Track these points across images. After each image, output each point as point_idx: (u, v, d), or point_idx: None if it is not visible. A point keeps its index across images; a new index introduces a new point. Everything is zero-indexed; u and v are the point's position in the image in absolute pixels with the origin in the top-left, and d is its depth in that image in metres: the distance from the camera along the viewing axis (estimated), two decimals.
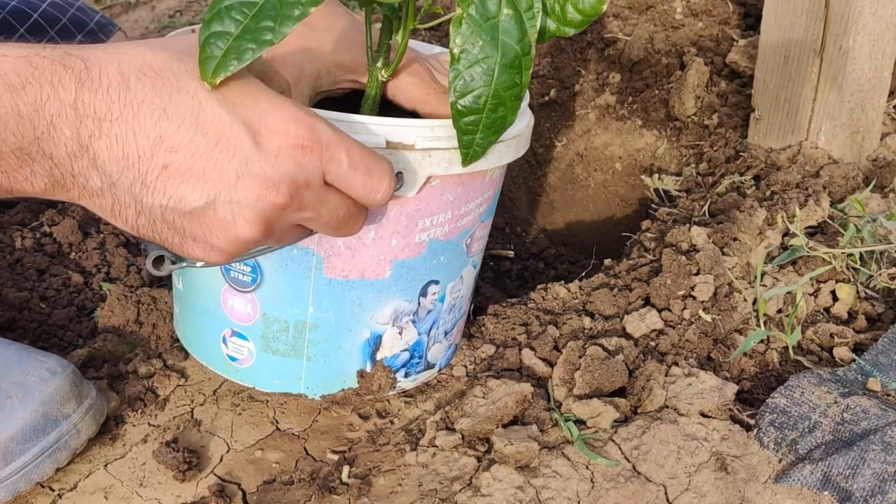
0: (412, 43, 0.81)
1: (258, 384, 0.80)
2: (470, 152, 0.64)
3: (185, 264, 0.67)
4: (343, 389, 0.79)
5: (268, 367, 0.78)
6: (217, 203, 0.55)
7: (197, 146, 0.54)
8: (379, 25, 0.68)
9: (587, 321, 0.90)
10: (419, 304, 0.77)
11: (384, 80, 0.71)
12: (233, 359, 0.79)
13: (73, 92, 0.52)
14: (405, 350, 0.79)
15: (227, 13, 0.54)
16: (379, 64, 0.70)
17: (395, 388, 0.81)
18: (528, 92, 0.74)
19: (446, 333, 0.83)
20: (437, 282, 0.77)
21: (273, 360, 0.77)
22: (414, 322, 0.78)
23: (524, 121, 0.74)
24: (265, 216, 0.56)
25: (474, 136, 0.63)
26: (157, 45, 0.57)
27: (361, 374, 0.79)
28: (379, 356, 0.78)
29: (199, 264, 0.67)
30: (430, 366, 0.83)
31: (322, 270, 0.72)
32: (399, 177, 0.65)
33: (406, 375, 0.81)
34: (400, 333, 0.77)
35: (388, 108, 0.74)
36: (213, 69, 0.54)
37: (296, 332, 0.75)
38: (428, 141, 0.65)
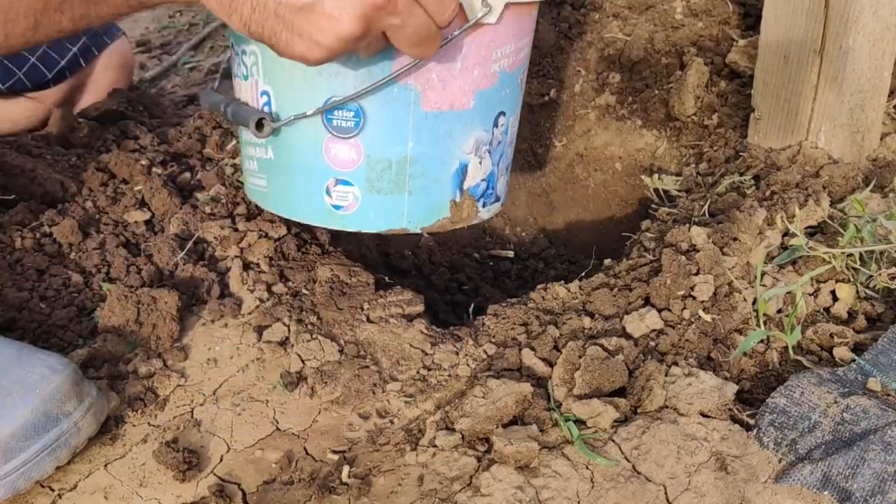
0: None
1: (364, 226, 0.86)
2: None
3: (283, 122, 0.77)
4: (439, 220, 0.88)
5: (373, 208, 0.86)
6: (320, 2, 0.62)
7: None
8: None
9: (587, 321, 0.90)
10: (493, 134, 0.88)
11: None
12: (337, 207, 0.86)
13: None
14: (483, 180, 0.89)
15: None
16: None
17: (477, 217, 0.90)
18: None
19: (507, 168, 0.94)
20: (504, 113, 0.88)
21: (377, 199, 0.85)
22: (489, 152, 0.88)
23: None
24: (365, 13, 0.63)
25: None
26: None
27: (454, 203, 0.88)
28: (465, 185, 0.88)
29: (295, 117, 0.78)
30: (497, 198, 0.93)
31: (420, 105, 0.80)
32: (485, 3, 0.76)
33: (483, 206, 0.91)
34: (480, 163, 0.88)
35: None
36: None
37: (398, 169, 0.83)
38: None
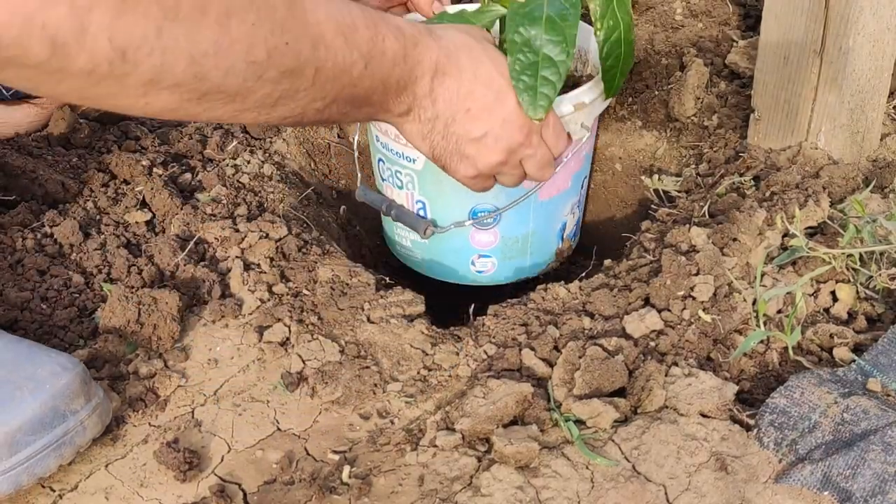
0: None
1: (498, 281, 1.17)
2: (612, 88, 0.99)
3: (444, 229, 1.05)
4: (548, 264, 1.19)
5: (505, 268, 1.15)
6: (488, 136, 0.84)
7: (487, 99, 0.83)
8: None
9: (587, 321, 0.91)
10: (580, 195, 1.19)
11: None
12: (479, 272, 1.15)
13: (434, 56, 0.79)
14: (574, 225, 1.21)
15: (520, 74, 0.84)
16: None
17: (571, 250, 1.22)
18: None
19: (583, 212, 1.26)
20: (586, 176, 1.19)
21: (508, 262, 1.15)
22: (578, 206, 1.19)
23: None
24: (511, 147, 0.86)
25: (613, 78, 0.98)
26: (462, 29, 0.86)
27: (558, 249, 1.19)
28: (564, 235, 1.18)
29: (449, 225, 1.07)
30: (576, 234, 1.24)
31: (537, 196, 1.06)
32: (583, 126, 0.98)
33: (574, 240, 1.23)
34: (573, 217, 1.19)
35: None
36: (535, 107, 0.84)
37: (522, 241, 1.13)
38: (590, 96, 0.99)
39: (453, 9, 1.03)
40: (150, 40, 0.57)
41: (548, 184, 1.02)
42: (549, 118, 0.88)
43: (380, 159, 1.12)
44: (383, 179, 1.13)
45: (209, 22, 0.60)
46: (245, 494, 0.77)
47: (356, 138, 1.20)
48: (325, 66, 0.69)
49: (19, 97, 1.26)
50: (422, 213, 1.10)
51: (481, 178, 0.89)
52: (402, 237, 1.17)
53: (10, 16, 0.51)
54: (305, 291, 1.00)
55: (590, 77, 1.08)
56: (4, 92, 1.24)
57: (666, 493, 0.73)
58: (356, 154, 1.18)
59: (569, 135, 0.96)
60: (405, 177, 1.08)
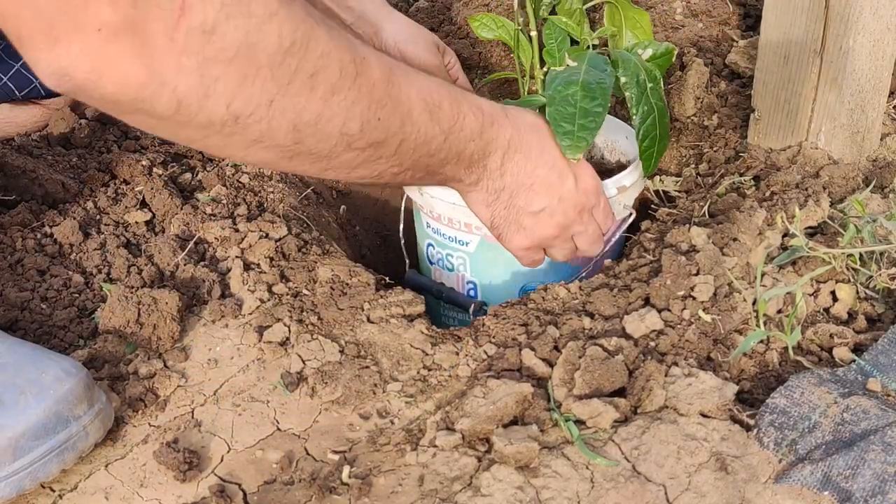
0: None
1: None
2: (650, 166, 1.06)
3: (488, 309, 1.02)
4: None
5: None
6: (545, 210, 0.90)
7: (549, 177, 0.89)
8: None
9: (587, 321, 0.91)
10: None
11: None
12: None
13: (508, 134, 0.86)
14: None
15: (560, 121, 0.91)
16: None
17: None
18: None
19: None
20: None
21: None
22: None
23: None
24: (564, 223, 0.92)
25: (651, 157, 1.05)
26: (533, 113, 0.93)
27: None
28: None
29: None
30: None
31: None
32: (625, 206, 1.07)
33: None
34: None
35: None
36: (573, 149, 0.90)
37: None
38: (631, 179, 1.06)
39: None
40: (261, 109, 0.63)
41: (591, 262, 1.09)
42: (602, 200, 0.96)
43: (429, 244, 1.17)
44: (431, 263, 1.18)
45: (315, 98, 0.66)
46: (245, 494, 0.77)
47: (401, 226, 1.24)
48: (409, 139, 0.76)
49: (29, 98, 1.26)
50: (472, 293, 1.15)
51: (533, 249, 0.95)
52: (450, 317, 1.21)
53: (148, 77, 0.57)
54: (305, 291, 1.00)
55: (619, 164, 1.16)
56: (17, 93, 1.23)
57: (666, 493, 0.73)
58: (402, 241, 1.23)
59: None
60: (457, 259, 1.13)
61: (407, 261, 1.21)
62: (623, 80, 1.00)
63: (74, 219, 1.08)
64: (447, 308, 1.17)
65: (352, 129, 0.70)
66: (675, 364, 0.84)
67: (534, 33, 1.09)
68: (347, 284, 1.01)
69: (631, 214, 1.10)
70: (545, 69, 1.11)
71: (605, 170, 1.15)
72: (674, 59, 1.12)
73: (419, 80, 0.77)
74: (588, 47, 1.11)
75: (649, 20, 1.12)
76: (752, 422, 0.77)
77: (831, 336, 0.88)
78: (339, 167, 0.74)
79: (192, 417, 0.85)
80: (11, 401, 0.75)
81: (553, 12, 1.14)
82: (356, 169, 0.76)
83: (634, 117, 1.02)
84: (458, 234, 1.10)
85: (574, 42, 1.13)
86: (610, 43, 1.16)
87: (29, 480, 0.74)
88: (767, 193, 1.03)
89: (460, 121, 0.80)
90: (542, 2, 1.11)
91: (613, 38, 1.15)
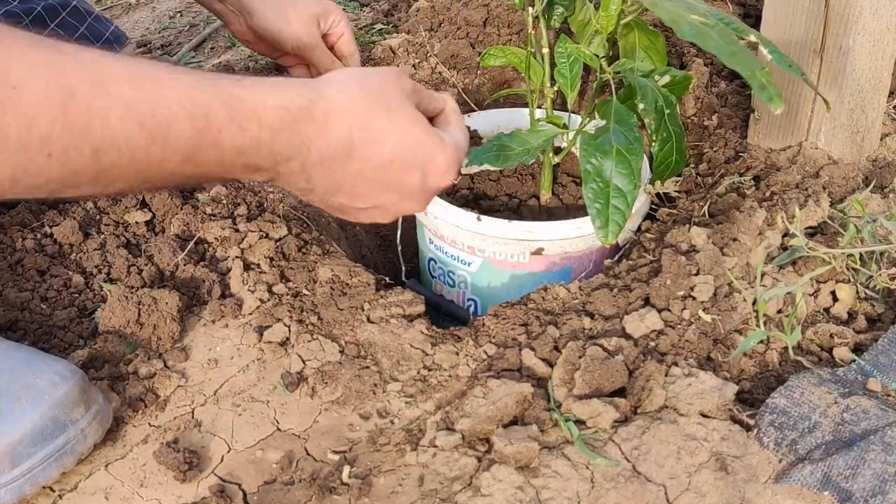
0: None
1: None
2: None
3: None
4: None
5: None
6: (377, 207, 0.79)
7: (384, 177, 0.75)
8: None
9: (587, 321, 0.91)
10: None
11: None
12: None
13: (313, 137, 0.70)
14: None
15: (594, 201, 0.93)
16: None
17: None
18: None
19: None
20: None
21: None
22: None
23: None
24: (404, 211, 0.80)
25: (661, 177, 1.08)
26: (365, 105, 0.75)
27: None
28: None
29: None
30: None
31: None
32: (630, 230, 1.07)
33: None
34: None
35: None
36: (605, 232, 0.92)
37: None
38: (636, 206, 1.02)
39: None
40: None
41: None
42: (456, 167, 0.84)
43: (431, 259, 1.18)
44: (433, 276, 1.19)
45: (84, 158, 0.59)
46: (245, 494, 0.77)
47: (398, 235, 1.25)
48: (113, 169, 0.64)
49: None
50: (472, 309, 1.16)
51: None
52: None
53: None
54: (305, 291, 1.00)
55: None
56: None
57: (666, 494, 0.73)
58: (399, 248, 1.23)
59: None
60: (458, 277, 1.14)
61: (403, 269, 1.21)
62: (641, 106, 1.00)
63: (74, 219, 1.08)
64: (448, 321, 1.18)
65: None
66: (675, 364, 0.84)
67: (545, 50, 1.07)
68: (347, 284, 1.01)
69: (633, 239, 1.09)
70: (555, 87, 1.11)
71: None
72: (690, 86, 1.11)
73: (143, 99, 0.63)
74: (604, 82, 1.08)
75: (664, 43, 1.09)
76: (752, 422, 0.77)
77: (831, 336, 0.88)
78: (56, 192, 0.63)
79: (192, 417, 0.85)
80: (7, 408, 0.75)
81: (565, 22, 1.12)
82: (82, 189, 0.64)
83: (653, 144, 1.03)
84: (462, 255, 1.10)
85: (586, 67, 1.14)
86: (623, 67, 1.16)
87: (29, 486, 0.75)
88: (767, 193, 1.03)
89: (210, 138, 0.67)
90: (553, 12, 1.10)
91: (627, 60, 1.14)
